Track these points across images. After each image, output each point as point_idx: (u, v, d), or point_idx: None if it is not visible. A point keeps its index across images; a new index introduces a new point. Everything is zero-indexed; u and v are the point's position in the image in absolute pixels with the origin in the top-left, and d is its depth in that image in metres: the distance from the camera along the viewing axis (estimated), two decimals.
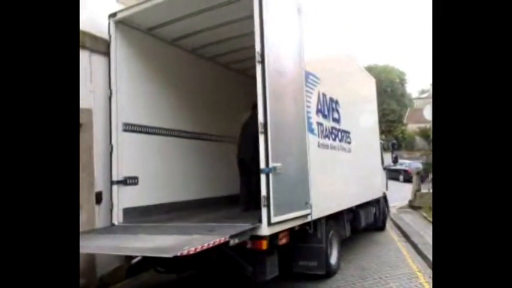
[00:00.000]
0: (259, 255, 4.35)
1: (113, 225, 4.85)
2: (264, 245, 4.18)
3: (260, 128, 4.06)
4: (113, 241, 4.24)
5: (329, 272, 5.58)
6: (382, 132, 40.82)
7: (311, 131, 5.13)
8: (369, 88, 8.84)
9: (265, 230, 4.07)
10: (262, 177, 4.07)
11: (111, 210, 4.89)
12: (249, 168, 5.30)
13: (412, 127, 37.19)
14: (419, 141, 34.98)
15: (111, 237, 4.38)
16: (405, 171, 23.80)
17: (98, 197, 5.00)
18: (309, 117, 5.08)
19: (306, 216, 4.74)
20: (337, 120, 6.17)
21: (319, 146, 5.36)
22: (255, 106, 5.13)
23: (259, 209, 4.28)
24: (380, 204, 9.50)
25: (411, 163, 23.78)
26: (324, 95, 5.62)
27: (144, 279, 5.74)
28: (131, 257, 5.05)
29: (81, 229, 4.87)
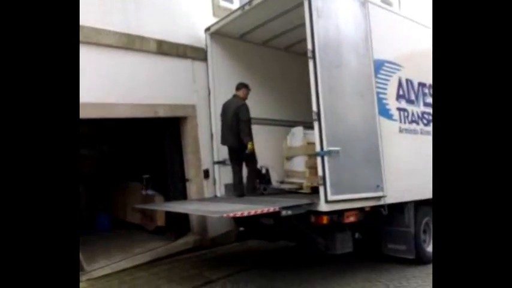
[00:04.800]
0: (330, 230, 4.78)
1: (215, 196, 6.06)
2: (324, 220, 4.59)
3: (314, 116, 4.51)
4: (199, 206, 5.40)
5: (422, 258, 5.46)
6: None
7: (388, 116, 5.25)
8: None
9: (322, 206, 4.49)
10: (319, 159, 4.54)
11: (214, 185, 6.13)
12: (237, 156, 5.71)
13: None
14: None
15: (201, 204, 5.58)
16: None
17: (206, 173, 6.36)
18: (384, 104, 5.19)
19: (378, 198, 4.91)
20: (431, 105, 5.95)
21: (401, 131, 5.40)
22: (238, 87, 5.76)
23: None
24: None
25: None
26: (408, 80, 5.59)
27: (250, 244, 6.76)
28: (239, 224, 6.01)
29: (191, 198, 6.36)
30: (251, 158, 5.66)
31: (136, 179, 7.40)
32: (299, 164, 5.86)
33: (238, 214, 4.15)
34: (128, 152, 8.45)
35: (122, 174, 8.11)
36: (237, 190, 5.72)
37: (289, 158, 6.17)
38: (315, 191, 5.40)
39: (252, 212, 4.21)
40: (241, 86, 5.82)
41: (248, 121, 5.55)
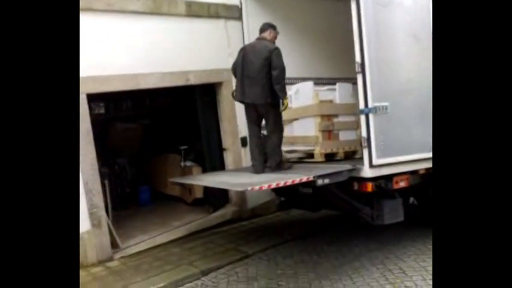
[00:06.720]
0: (376, 198, 4.34)
1: (253, 165, 5.68)
2: (369, 187, 4.17)
3: (357, 68, 3.98)
4: (226, 177, 5.06)
5: None
6: None
7: None
8: None
9: (366, 172, 4.06)
10: (362, 118, 4.05)
11: None
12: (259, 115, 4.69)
13: None
14: None
15: (232, 175, 5.24)
16: None
17: (243, 141, 5.99)
18: None
19: None
20: None
21: None
22: (263, 29, 4.72)
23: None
24: None
25: None
26: None
27: (292, 214, 6.41)
28: (279, 194, 5.64)
29: (228, 167, 6.04)
30: (279, 120, 4.65)
31: (175, 151, 7.26)
32: (307, 127, 4.95)
33: (265, 186, 3.78)
34: (167, 123, 8.36)
35: (161, 146, 8.04)
36: (258, 164, 4.69)
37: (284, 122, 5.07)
38: (329, 158, 4.92)
39: (281, 183, 3.81)
40: (267, 26, 4.66)
41: (284, 70, 4.43)
